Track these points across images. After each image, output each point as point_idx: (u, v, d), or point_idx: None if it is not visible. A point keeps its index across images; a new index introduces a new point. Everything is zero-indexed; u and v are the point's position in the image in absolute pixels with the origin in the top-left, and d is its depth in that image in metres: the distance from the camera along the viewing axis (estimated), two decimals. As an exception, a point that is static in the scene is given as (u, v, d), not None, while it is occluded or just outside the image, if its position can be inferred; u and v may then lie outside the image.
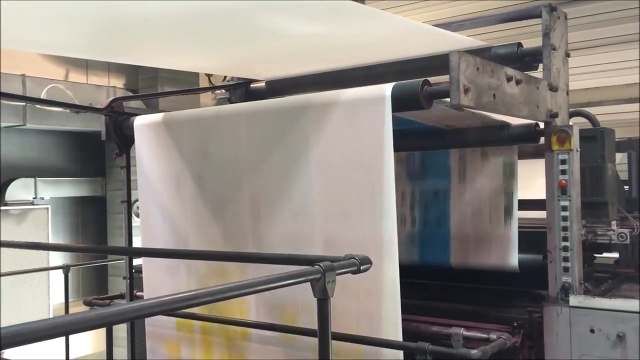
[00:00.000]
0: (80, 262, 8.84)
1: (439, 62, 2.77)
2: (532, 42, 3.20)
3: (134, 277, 3.76)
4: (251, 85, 3.91)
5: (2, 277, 6.18)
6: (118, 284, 8.28)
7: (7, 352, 1.80)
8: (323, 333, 1.97)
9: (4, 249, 8.33)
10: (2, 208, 8.99)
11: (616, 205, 3.50)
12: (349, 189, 2.71)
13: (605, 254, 3.52)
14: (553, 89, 2.99)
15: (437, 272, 3.60)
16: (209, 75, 4.57)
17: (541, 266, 3.11)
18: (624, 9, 7.21)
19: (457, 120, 3.26)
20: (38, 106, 7.97)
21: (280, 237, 2.95)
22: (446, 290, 3.51)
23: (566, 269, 2.92)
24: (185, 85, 8.65)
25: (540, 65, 3.05)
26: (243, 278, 3.07)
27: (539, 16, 3.05)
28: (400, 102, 2.58)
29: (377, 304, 2.63)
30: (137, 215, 3.63)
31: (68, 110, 4.29)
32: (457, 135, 3.49)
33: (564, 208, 2.93)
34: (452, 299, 3.35)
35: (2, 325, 1.29)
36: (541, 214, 3.22)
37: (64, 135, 10.03)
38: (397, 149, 2.62)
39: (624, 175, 5.63)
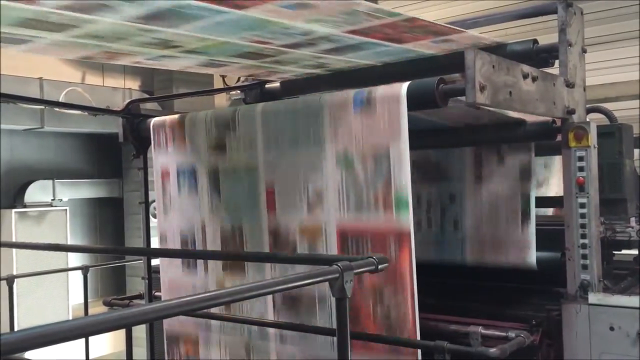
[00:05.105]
0: (99, 262, 8.93)
1: (454, 61, 2.76)
2: (547, 38, 3.17)
3: (152, 278, 3.79)
4: (266, 86, 3.92)
5: (22, 278, 6.25)
6: (136, 284, 8.35)
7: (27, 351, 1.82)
8: (342, 332, 1.98)
9: (23, 251, 8.45)
10: (21, 210, 9.10)
11: (635, 201, 3.47)
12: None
13: (624, 251, 3.48)
14: (570, 85, 2.97)
15: (454, 271, 3.59)
16: (223, 76, 4.59)
17: (559, 264, 3.09)
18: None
19: (473, 118, 3.25)
20: (56, 109, 8.05)
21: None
22: (464, 288, 3.50)
23: (585, 267, 2.90)
24: (200, 87, 8.70)
25: (557, 62, 3.03)
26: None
27: (555, 12, 3.03)
28: (415, 101, 2.58)
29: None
30: (154, 216, 3.66)
31: (86, 113, 4.33)
32: (473, 133, 3.48)
33: (582, 205, 2.91)
34: (469, 297, 3.34)
35: (23, 327, 1.31)
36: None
37: (81, 137, 10.13)
38: (412, 147, 2.62)
39: (642, 171, 5.56)
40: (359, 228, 2.73)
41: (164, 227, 3.55)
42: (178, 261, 3.49)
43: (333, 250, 2.81)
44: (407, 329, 2.59)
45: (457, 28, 2.69)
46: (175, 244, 3.47)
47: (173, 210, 3.49)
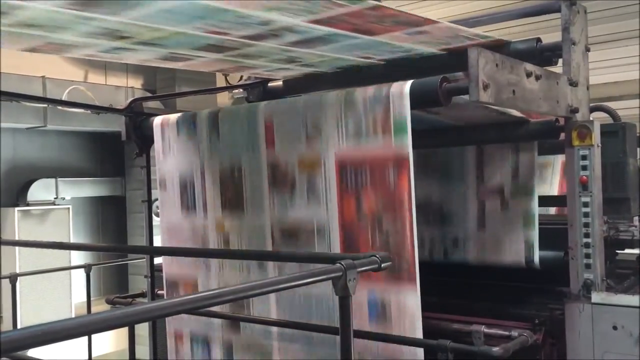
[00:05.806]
0: (101, 261, 8.94)
1: (457, 59, 2.76)
2: (551, 36, 3.17)
3: (155, 276, 3.80)
4: (269, 84, 3.92)
5: (25, 276, 6.27)
6: (138, 282, 8.37)
7: (30, 350, 1.82)
8: (345, 331, 1.98)
9: (26, 249, 8.47)
10: (24, 208, 9.12)
11: (638, 200, 3.46)
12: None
13: (627, 250, 3.48)
14: (573, 84, 2.96)
15: (457, 270, 3.59)
16: (226, 75, 4.59)
17: (562, 263, 3.08)
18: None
19: (476, 116, 3.25)
20: (59, 107, 8.07)
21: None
22: (466, 287, 3.50)
23: (588, 266, 2.90)
24: (202, 85, 8.69)
25: (560, 60, 3.03)
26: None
27: (558, 11, 3.02)
28: (419, 99, 2.57)
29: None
30: (157, 215, 3.66)
31: (88, 111, 4.34)
32: (475, 132, 3.47)
33: (586, 204, 2.91)
34: (472, 296, 3.33)
35: (26, 325, 1.32)
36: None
37: (84, 136, 10.15)
38: (415, 146, 2.61)
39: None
40: (358, 157, 2.70)
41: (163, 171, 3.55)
42: (177, 206, 3.48)
43: (332, 182, 2.83)
44: (405, 258, 2.59)
45: (430, 18, 2.53)
46: (174, 187, 3.48)
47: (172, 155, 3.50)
